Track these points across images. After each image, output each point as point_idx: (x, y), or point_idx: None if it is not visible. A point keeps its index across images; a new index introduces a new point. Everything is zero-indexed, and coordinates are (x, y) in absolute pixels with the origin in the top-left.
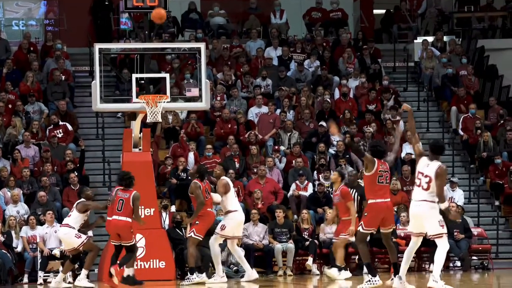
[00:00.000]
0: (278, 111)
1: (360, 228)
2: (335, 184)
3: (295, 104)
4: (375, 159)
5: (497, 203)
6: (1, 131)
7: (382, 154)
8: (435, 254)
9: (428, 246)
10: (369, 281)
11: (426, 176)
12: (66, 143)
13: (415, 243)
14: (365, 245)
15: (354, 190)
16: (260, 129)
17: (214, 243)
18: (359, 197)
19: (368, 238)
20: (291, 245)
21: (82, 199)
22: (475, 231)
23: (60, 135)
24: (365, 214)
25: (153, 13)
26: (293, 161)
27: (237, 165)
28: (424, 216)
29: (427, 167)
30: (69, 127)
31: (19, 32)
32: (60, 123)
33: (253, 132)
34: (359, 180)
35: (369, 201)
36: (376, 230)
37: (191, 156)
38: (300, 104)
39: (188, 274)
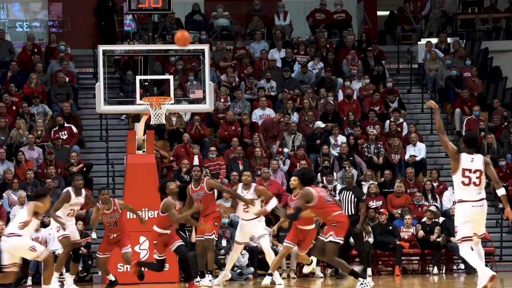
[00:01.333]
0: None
1: (331, 238)
2: (295, 189)
3: (299, 106)
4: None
5: (500, 205)
6: (5, 133)
7: (311, 181)
8: (478, 254)
9: (432, 248)
10: (362, 284)
11: (475, 171)
12: (71, 145)
13: (477, 245)
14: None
15: (350, 192)
16: (263, 132)
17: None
18: (355, 199)
19: None
20: (295, 248)
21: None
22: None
23: (64, 137)
24: (333, 225)
25: (178, 36)
26: (297, 164)
27: (241, 167)
28: (485, 215)
29: (472, 162)
30: (74, 129)
31: (23, 34)
32: (65, 125)
33: (257, 135)
34: (363, 183)
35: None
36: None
37: (195, 158)
38: (303, 106)
39: (206, 275)
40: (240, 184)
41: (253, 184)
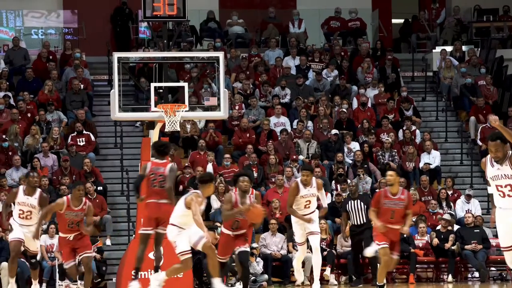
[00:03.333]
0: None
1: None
2: (393, 186)
3: (313, 114)
4: None
5: None
6: (19, 140)
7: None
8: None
9: (446, 256)
10: None
11: None
12: (86, 152)
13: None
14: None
15: (358, 200)
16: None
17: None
18: (365, 206)
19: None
20: (309, 254)
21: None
22: (493, 241)
23: (82, 144)
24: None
25: (250, 214)
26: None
27: (255, 174)
28: None
29: None
30: (92, 137)
31: (39, 41)
32: (84, 132)
33: (271, 143)
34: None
35: None
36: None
37: (209, 166)
38: (318, 113)
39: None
40: (238, 192)
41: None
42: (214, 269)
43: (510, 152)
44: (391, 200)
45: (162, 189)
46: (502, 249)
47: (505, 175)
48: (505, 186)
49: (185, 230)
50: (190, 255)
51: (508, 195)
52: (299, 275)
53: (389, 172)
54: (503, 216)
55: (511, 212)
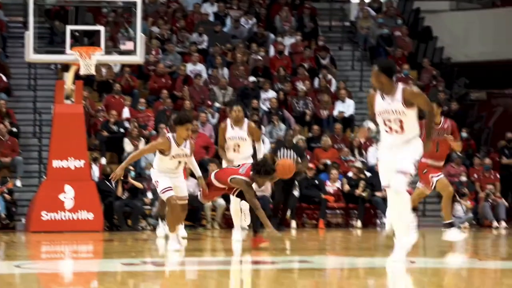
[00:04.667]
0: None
1: None
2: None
3: (230, 61)
4: None
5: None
6: None
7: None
8: None
9: (356, 203)
10: None
11: None
12: None
13: None
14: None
15: (292, 150)
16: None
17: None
18: (297, 157)
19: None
20: (220, 200)
21: None
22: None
23: None
24: None
25: (281, 168)
26: (226, 117)
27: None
28: None
29: None
30: (4, 77)
31: None
32: None
33: (187, 88)
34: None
35: None
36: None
37: (125, 110)
38: (235, 60)
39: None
40: (228, 120)
41: (246, 120)
42: (172, 223)
43: (401, 86)
44: (435, 130)
45: None
46: (382, 187)
47: (394, 110)
48: (394, 121)
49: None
50: (171, 192)
51: (396, 131)
52: (237, 220)
53: None
54: (386, 154)
55: (395, 151)
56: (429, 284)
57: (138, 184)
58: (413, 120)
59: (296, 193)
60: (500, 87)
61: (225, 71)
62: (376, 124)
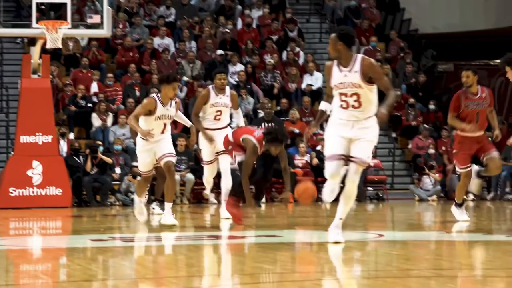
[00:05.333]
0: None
1: None
2: (472, 86)
3: (198, 34)
4: None
5: (394, 135)
6: None
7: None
8: None
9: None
10: None
11: None
12: None
13: None
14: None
15: (273, 124)
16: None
17: None
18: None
19: None
20: (189, 175)
21: None
22: (371, 162)
23: None
24: None
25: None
26: (195, 91)
27: (137, 93)
28: None
29: None
30: None
31: None
32: None
33: (155, 62)
34: (260, 111)
35: None
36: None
37: (93, 84)
38: (203, 33)
39: None
40: (211, 87)
41: (228, 88)
42: (168, 192)
43: (359, 56)
44: (474, 101)
45: None
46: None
47: (352, 83)
48: (351, 96)
49: (152, 144)
50: (150, 175)
51: (353, 106)
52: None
53: (465, 73)
54: (338, 130)
55: (347, 129)
56: (397, 257)
57: (107, 159)
58: (372, 98)
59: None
60: (467, 58)
61: (193, 44)
62: (331, 100)
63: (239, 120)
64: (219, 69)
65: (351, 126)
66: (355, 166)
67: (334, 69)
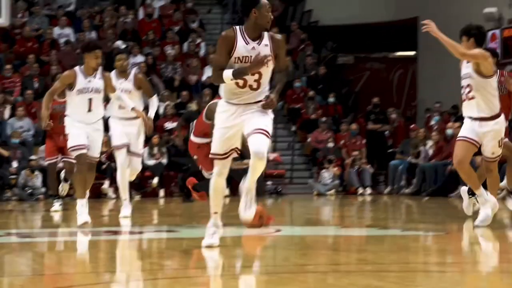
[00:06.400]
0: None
1: None
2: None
3: (97, 24)
4: None
5: (293, 128)
6: None
7: None
8: None
9: None
10: None
11: None
12: None
13: None
14: None
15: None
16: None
17: None
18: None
19: None
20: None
21: None
22: (271, 156)
23: None
24: None
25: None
26: None
27: (36, 85)
28: None
29: None
30: None
31: None
32: None
33: (54, 53)
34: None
35: None
36: None
37: None
38: (103, 23)
39: None
40: (113, 72)
41: (133, 71)
42: (78, 185)
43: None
44: None
45: None
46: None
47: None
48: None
49: (84, 127)
50: (83, 151)
51: (250, 86)
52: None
53: None
54: (233, 120)
55: (242, 115)
56: (294, 253)
57: (4, 152)
58: (268, 78)
59: (164, 160)
60: (367, 51)
61: (93, 34)
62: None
63: (152, 108)
64: (118, 50)
65: (243, 112)
66: (264, 138)
67: (239, 40)
